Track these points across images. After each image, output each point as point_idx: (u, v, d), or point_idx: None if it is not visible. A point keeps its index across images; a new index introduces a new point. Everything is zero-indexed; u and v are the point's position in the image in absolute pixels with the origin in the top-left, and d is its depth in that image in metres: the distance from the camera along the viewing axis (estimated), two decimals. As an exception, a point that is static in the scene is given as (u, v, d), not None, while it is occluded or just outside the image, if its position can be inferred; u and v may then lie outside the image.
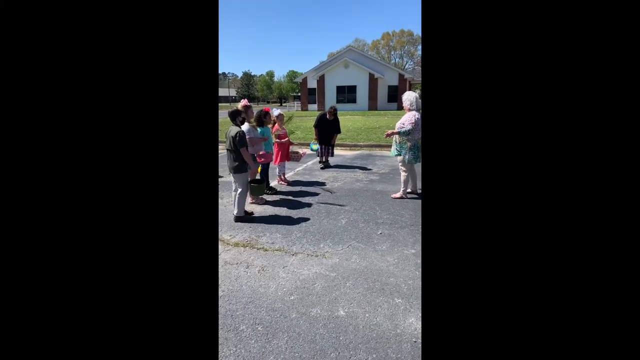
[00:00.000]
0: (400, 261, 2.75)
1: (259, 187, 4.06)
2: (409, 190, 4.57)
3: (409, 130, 4.05)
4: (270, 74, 66.69)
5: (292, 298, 2.27)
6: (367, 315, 2.08)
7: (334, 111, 6.15)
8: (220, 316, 2.10)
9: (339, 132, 6.32)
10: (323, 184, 5.25)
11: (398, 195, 4.43)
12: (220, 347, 1.84)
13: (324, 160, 6.47)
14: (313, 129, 6.27)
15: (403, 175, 4.42)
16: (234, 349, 1.82)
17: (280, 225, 3.57)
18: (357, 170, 6.22)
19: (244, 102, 4.15)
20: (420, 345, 1.82)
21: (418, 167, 4.68)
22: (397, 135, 4.19)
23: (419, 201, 4.24)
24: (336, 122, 6.18)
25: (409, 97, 4.22)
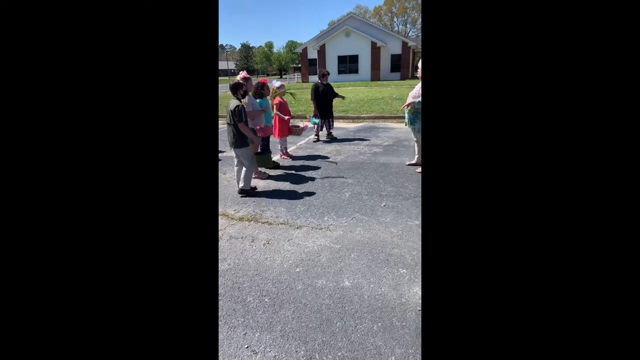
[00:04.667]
0: (404, 232, 2.76)
1: (264, 157, 4.04)
2: (414, 162, 4.52)
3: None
4: (269, 45, 64.57)
5: (298, 270, 2.30)
6: (372, 285, 2.11)
7: (327, 74, 6.02)
8: (227, 289, 2.14)
9: (335, 95, 6.08)
10: (326, 157, 5.20)
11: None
12: (228, 317, 1.88)
13: (327, 132, 6.38)
14: (311, 102, 6.14)
15: (417, 146, 4.35)
16: (242, 319, 1.86)
17: (284, 200, 3.57)
18: (360, 142, 6.14)
19: (242, 74, 4.03)
20: (424, 314, 1.85)
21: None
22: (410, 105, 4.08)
23: (423, 173, 4.21)
24: (330, 87, 6.04)
25: None
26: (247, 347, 1.69)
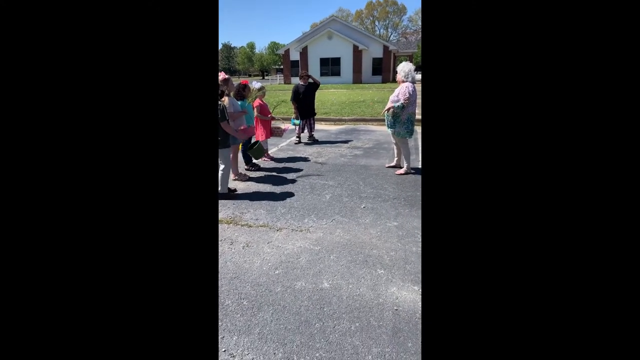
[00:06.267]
0: (382, 233, 2.81)
1: (257, 148, 4.05)
2: (393, 164, 4.60)
3: (402, 105, 4.01)
4: (251, 46, 64.13)
5: (277, 272, 2.30)
6: (350, 286, 2.13)
7: (306, 76, 5.99)
8: (205, 292, 2.11)
9: (315, 87, 6.11)
10: (307, 159, 5.22)
11: (402, 171, 4.33)
12: (206, 322, 1.86)
13: (309, 135, 6.39)
14: (291, 103, 6.14)
15: (396, 149, 4.40)
16: (220, 323, 1.84)
17: (264, 202, 3.56)
18: (341, 144, 6.20)
19: (221, 75, 3.98)
20: (400, 314, 1.89)
21: (411, 142, 4.66)
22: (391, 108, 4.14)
23: (402, 176, 4.29)
24: (310, 88, 6.03)
25: (404, 68, 4.11)
26: (225, 350, 1.68)
